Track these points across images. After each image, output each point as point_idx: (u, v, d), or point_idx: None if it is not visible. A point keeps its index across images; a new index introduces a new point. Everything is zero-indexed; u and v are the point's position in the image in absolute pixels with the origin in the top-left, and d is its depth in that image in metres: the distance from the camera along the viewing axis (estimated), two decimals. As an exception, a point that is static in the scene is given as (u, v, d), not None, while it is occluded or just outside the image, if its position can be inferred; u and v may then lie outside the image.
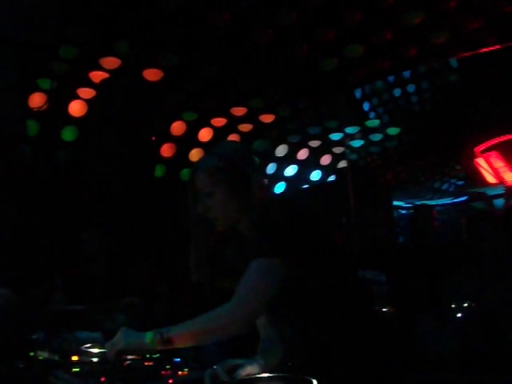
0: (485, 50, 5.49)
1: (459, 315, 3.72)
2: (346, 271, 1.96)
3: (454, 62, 7.19)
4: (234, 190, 1.92)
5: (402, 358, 1.93)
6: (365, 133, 7.99)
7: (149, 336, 1.73)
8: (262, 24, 5.14)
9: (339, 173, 7.80)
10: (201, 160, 2.05)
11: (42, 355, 2.24)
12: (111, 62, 5.51)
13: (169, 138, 6.64)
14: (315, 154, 7.97)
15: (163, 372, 1.78)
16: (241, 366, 1.86)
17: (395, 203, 8.27)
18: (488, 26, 5.03)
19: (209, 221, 1.97)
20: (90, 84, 5.72)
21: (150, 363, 1.75)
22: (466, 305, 3.73)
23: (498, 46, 5.42)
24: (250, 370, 1.85)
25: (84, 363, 1.90)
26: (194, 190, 1.97)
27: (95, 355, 1.96)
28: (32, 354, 2.31)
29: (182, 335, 1.75)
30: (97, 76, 5.65)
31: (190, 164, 6.55)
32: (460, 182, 8.41)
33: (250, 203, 1.90)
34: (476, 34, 5.14)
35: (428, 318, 3.93)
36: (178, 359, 1.84)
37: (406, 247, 7.00)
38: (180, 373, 1.78)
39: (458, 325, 3.70)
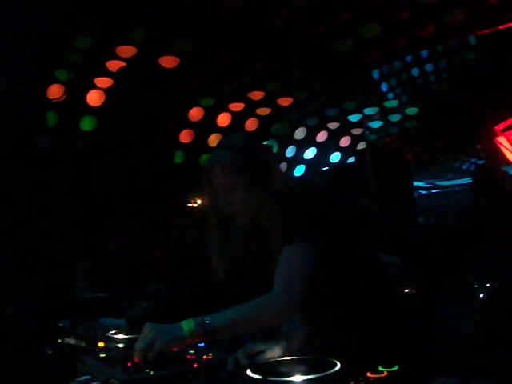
0: (503, 26, 5.40)
1: (482, 295, 3.71)
2: (367, 253, 1.97)
3: (472, 39, 7.08)
4: (255, 181, 1.91)
5: (425, 339, 1.93)
6: (383, 113, 7.95)
7: (187, 328, 1.63)
8: (276, 6, 5.11)
9: (359, 154, 7.76)
10: (215, 155, 1.97)
11: (69, 342, 2.28)
12: (127, 51, 5.52)
13: (187, 124, 6.66)
14: (334, 136, 7.95)
15: (188, 356, 1.78)
16: (262, 351, 1.88)
17: (415, 183, 8.20)
18: (506, 2, 4.95)
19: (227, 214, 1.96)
20: (106, 73, 5.74)
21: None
22: (488, 285, 3.71)
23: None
24: (271, 354, 1.86)
25: (110, 349, 1.93)
26: (211, 185, 1.95)
27: (120, 341, 1.99)
28: (59, 340, 2.35)
29: (227, 326, 1.69)
30: (113, 65, 5.67)
31: (209, 149, 6.58)
32: (480, 162, 8.31)
33: (271, 192, 1.90)
34: (494, 11, 5.06)
35: (450, 298, 3.92)
36: (202, 344, 1.85)
37: (429, 227, 6.98)
38: (204, 357, 1.79)
39: (481, 305, 3.68)
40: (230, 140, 2.03)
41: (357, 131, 7.87)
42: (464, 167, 8.72)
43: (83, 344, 2.18)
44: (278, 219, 1.85)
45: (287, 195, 1.86)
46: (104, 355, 1.84)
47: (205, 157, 6.42)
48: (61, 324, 2.59)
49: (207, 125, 6.74)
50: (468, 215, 4.47)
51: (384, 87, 8.22)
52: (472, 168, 8.45)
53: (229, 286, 2.01)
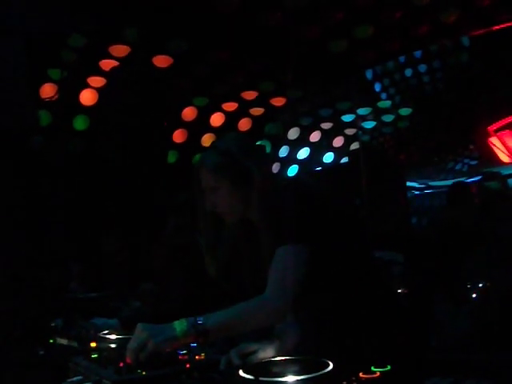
0: (497, 27, 5.42)
1: (474, 296, 3.72)
2: (361, 253, 1.97)
3: (465, 40, 7.10)
4: (237, 184, 1.92)
5: (418, 339, 1.93)
6: (377, 114, 7.96)
7: (180, 329, 1.64)
8: (271, 6, 5.11)
9: (352, 154, 7.77)
10: (203, 156, 2.02)
11: (61, 342, 2.27)
12: (120, 50, 5.51)
13: (180, 123, 6.65)
14: (327, 136, 7.95)
15: (180, 356, 1.78)
16: (255, 351, 1.87)
17: (408, 184, 8.22)
18: (499, 2, 4.96)
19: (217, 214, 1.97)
20: (100, 72, 5.73)
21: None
22: (481, 285, 3.72)
23: (510, 24, 5.34)
24: (263, 354, 1.86)
25: (102, 349, 1.92)
26: (199, 185, 1.98)
27: (113, 341, 1.98)
28: (51, 340, 2.34)
29: (219, 327, 1.69)
30: (107, 64, 5.66)
31: (203, 149, 6.56)
32: (473, 162, 8.34)
33: (254, 195, 1.89)
34: (487, 12, 5.07)
35: (443, 298, 3.93)
36: (195, 344, 1.84)
37: (424, 228, 6.99)
38: (197, 357, 1.79)
39: (474, 305, 3.70)
40: (220, 141, 2.05)
41: (350, 131, 7.88)
42: (457, 168, 8.74)
43: (75, 344, 2.17)
44: (264, 222, 1.86)
45: (279, 196, 1.86)
46: (96, 355, 1.84)
47: (198, 157, 6.41)
48: (53, 324, 2.58)
49: (200, 124, 6.73)
50: (441, 224, 4.67)
51: (377, 87, 8.24)
52: (465, 168, 8.50)
53: (222, 285, 2.02)
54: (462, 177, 8.01)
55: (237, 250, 2.01)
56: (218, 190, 1.92)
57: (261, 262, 1.86)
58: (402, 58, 7.70)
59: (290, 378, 1.35)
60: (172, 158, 6.72)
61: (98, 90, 5.82)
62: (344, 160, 8.07)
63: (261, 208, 1.87)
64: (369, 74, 8.01)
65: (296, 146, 7.80)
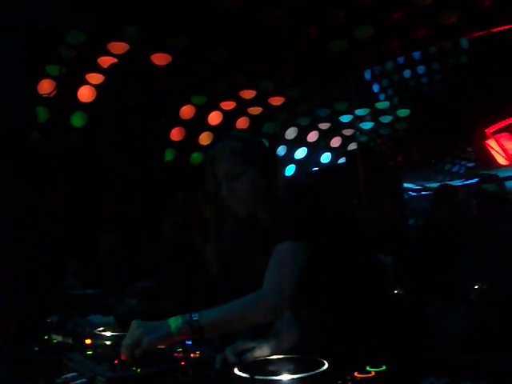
0: (496, 29, 5.42)
1: (471, 297, 3.73)
2: (360, 253, 1.96)
3: (464, 42, 7.10)
4: (264, 169, 1.89)
5: (415, 339, 1.93)
6: (375, 115, 7.96)
7: (175, 325, 1.63)
8: (271, 6, 5.11)
9: (349, 155, 7.77)
10: (220, 145, 1.93)
11: (57, 338, 2.26)
12: (119, 47, 5.51)
13: (178, 121, 6.65)
14: (325, 137, 7.95)
15: (175, 354, 1.78)
16: (251, 349, 1.87)
17: (405, 185, 8.23)
18: (499, 5, 4.97)
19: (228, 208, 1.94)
20: (98, 69, 5.72)
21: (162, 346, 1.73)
22: (476, 287, 3.73)
23: (510, 26, 5.35)
24: (259, 352, 1.86)
25: (97, 346, 1.92)
26: (214, 173, 1.92)
27: (108, 338, 1.98)
28: (46, 337, 2.33)
29: (215, 323, 1.68)
30: (105, 61, 5.65)
31: (200, 147, 6.58)
32: (471, 164, 8.35)
33: (277, 185, 1.88)
34: (487, 14, 5.07)
35: (440, 299, 3.94)
36: (190, 342, 1.84)
37: (417, 229, 6.99)
38: (192, 355, 1.78)
39: (470, 306, 3.70)
40: (233, 133, 2.04)
41: (348, 132, 7.88)
42: (454, 169, 8.75)
43: (70, 341, 2.16)
44: (273, 216, 1.85)
45: (284, 193, 1.86)
46: (91, 352, 1.83)
47: (196, 155, 6.42)
48: (48, 320, 2.57)
49: (198, 123, 6.73)
50: (429, 224, 4.70)
51: (376, 88, 8.24)
52: (462, 170, 8.51)
53: (222, 280, 2.01)
54: (460, 179, 8.03)
55: (238, 246, 2.00)
56: (242, 176, 1.87)
57: (261, 259, 1.85)
58: (400, 59, 7.70)
59: (285, 377, 1.35)
60: (169, 156, 6.72)
61: (97, 86, 5.82)
62: (341, 160, 8.08)
63: (273, 201, 1.85)
64: (367, 75, 8.01)
65: (293, 145, 7.80)
